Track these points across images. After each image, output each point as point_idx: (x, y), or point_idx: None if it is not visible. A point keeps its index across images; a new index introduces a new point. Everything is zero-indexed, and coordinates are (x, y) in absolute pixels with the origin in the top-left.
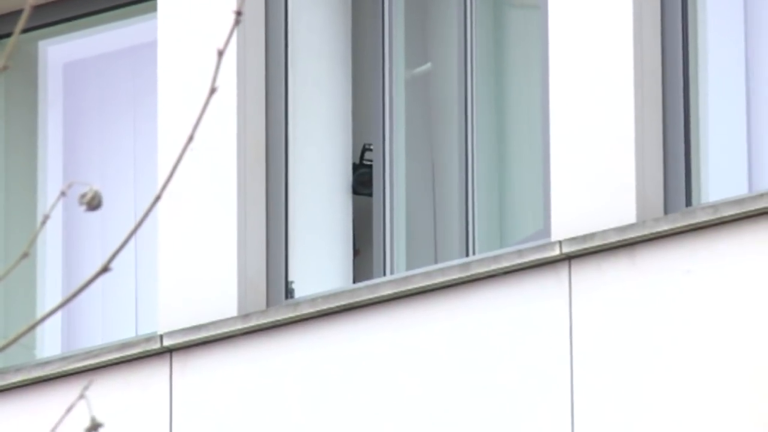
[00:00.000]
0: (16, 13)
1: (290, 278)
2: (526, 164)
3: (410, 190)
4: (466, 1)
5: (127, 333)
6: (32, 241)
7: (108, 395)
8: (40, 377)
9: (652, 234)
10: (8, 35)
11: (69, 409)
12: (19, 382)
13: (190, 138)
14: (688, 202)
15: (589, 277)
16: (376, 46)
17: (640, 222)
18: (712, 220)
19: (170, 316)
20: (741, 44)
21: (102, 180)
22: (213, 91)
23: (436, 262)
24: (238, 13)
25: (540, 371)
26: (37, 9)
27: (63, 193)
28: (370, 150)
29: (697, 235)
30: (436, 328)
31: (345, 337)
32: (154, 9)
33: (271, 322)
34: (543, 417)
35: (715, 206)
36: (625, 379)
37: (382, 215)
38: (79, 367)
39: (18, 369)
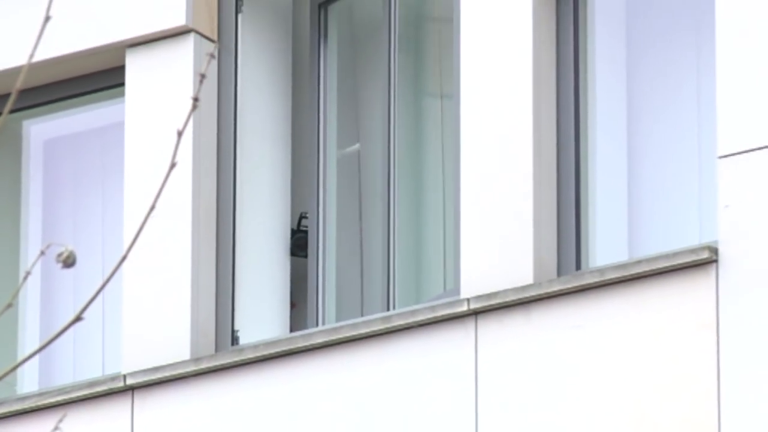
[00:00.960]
0: (4, 96)
1: (236, 327)
2: (440, 231)
3: (340, 252)
4: (390, 91)
5: (95, 373)
6: (15, 294)
7: (78, 427)
8: (20, 410)
9: (546, 293)
10: None
11: None
12: (2, 413)
13: (152, 207)
14: (578, 266)
15: (493, 330)
16: (313, 128)
17: (537, 283)
18: (599, 282)
19: (133, 359)
20: (624, 135)
21: (76, 242)
22: (173, 165)
23: (361, 315)
24: (195, 99)
25: (448, 412)
26: (22, 93)
27: (42, 253)
28: (306, 218)
29: (585, 295)
30: (361, 373)
31: (283, 380)
32: (122, 94)
33: (219, 365)
34: None
35: (601, 270)
36: (525, 422)
37: (315, 274)
38: (53, 402)
39: (1, 402)
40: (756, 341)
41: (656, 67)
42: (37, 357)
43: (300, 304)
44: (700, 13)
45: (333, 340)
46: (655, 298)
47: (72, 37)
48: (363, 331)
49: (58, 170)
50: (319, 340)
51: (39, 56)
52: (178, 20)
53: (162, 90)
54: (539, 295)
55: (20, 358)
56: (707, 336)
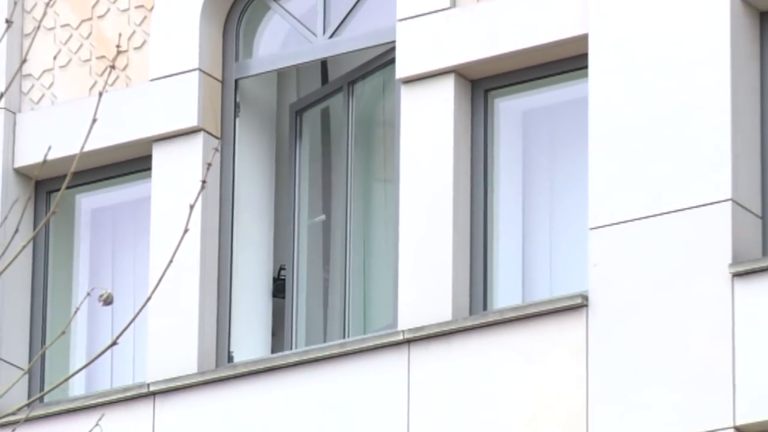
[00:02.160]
0: (63, 176)
1: (231, 348)
2: (383, 280)
3: (309, 295)
4: (348, 176)
5: (126, 381)
6: (67, 324)
7: (113, 423)
8: (70, 408)
9: (461, 327)
10: (56, 190)
11: None
12: (57, 411)
13: (170, 261)
14: (485, 307)
15: (421, 355)
16: (290, 204)
17: (454, 319)
18: (499, 319)
19: (155, 372)
20: (520, 211)
21: (114, 287)
22: (186, 231)
23: (324, 341)
24: (203, 182)
25: (388, 414)
26: (75, 174)
27: (88, 294)
28: (284, 269)
29: (490, 329)
30: (324, 385)
31: (266, 389)
32: (149, 176)
33: (219, 377)
34: None
35: (501, 311)
36: (445, 422)
37: (290, 311)
38: (95, 403)
39: (57, 402)
40: (617, 368)
41: (544, 161)
42: (83, 370)
43: (279, 333)
44: (582, 121)
45: (303, 360)
46: (541, 333)
47: (113, 133)
48: (325, 353)
49: (102, 232)
50: (293, 360)
51: (88, 147)
52: (191, 122)
53: (179, 174)
54: (456, 328)
55: (71, 371)
56: (579, 363)
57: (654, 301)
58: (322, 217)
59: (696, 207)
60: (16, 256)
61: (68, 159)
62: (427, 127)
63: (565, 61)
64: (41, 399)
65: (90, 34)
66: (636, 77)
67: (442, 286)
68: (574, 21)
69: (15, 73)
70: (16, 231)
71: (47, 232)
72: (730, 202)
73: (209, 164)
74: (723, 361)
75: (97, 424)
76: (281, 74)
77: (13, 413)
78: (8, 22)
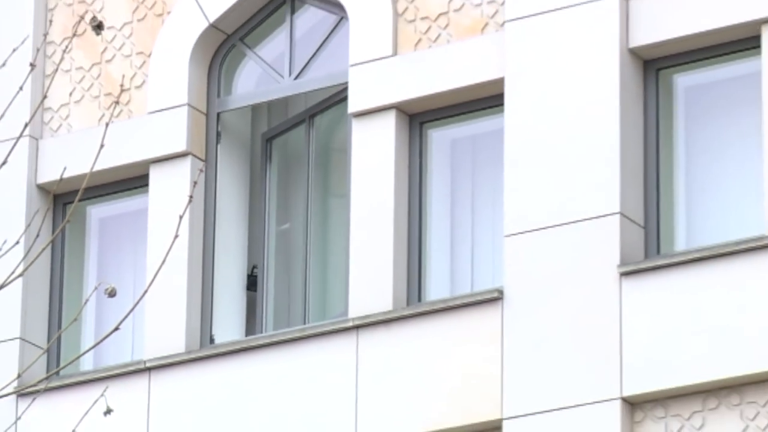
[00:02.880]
0: (76, 191)
1: (213, 332)
2: (338, 276)
3: (276, 289)
4: (308, 192)
5: (126, 358)
6: (79, 312)
7: (115, 393)
8: (80, 380)
9: (399, 316)
10: (71, 202)
11: (95, 402)
12: (70, 383)
13: (163, 261)
14: (419, 299)
15: (367, 338)
16: (261, 214)
17: (394, 309)
18: (430, 309)
19: (150, 351)
20: (448, 222)
21: (117, 282)
22: (176, 236)
23: (288, 326)
24: (190, 197)
25: (340, 386)
26: (85, 189)
27: (96, 288)
28: (256, 267)
29: (423, 317)
30: (288, 363)
31: (241, 365)
32: (147, 192)
33: (202, 355)
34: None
35: (432, 302)
36: (389, 389)
37: (262, 302)
38: (101, 376)
39: (70, 376)
40: (526, 350)
41: (467, 180)
42: (92, 350)
43: (251, 319)
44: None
45: (271, 342)
46: (465, 321)
47: (117, 156)
48: (289, 336)
49: (108, 237)
50: (263, 341)
51: (97, 167)
52: (181, 147)
53: (171, 190)
54: (396, 317)
55: (82, 350)
56: (495, 347)
57: (557, 295)
58: (287, 225)
59: (591, 218)
60: (37, 257)
61: (80, 177)
62: (373, 152)
63: (485, 99)
64: (57, 373)
65: (99, 75)
66: (543, 112)
67: (384, 282)
68: (492, 67)
69: (37, 107)
70: (37, 236)
71: (63, 237)
72: (618, 215)
73: (195, 182)
74: (613, 344)
75: (102, 395)
76: (255, 108)
77: (34, 385)
78: (32, 65)
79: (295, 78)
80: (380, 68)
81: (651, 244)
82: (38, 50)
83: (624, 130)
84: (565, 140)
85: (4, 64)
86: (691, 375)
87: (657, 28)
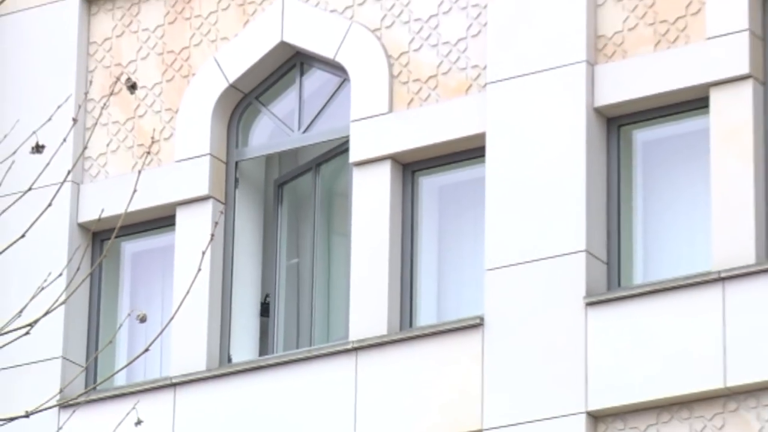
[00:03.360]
0: (112, 229)
1: (231, 352)
2: (339, 305)
3: (286, 315)
4: (314, 231)
5: (155, 375)
6: (114, 335)
7: (145, 406)
8: (115, 395)
9: (393, 339)
10: (108, 239)
11: (127, 414)
12: (105, 396)
13: (188, 291)
14: (410, 324)
15: (365, 359)
16: (274, 250)
17: (388, 333)
18: (421, 333)
19: (176, 369)
20: (435, 249)
21: (147, 309)
22: (199, 270)
23: (297, 348)
24: (212, 235)
25: (340, 404)
26: (120, 228)
27: (129, 315)
28: (269, 296)
29: (415, 341)
30: (296, 380)
31: (255, 381)
32: (173, 230)
33: (222, 372)
34: None
35: (422, 327)
36: (384, 407)
37: (273, 327)
38: (132, 390)
39: (105, 390)
40: (504, 371)
41: (454, 221)
42: (125, 368)
43: (264, 341)
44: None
45: (281, 361)
46: (451, 344)
47: (148, 199)
48: (297, 357)
49: (140, 270)
50: (274, 361)
51: (130, 209)
52: (204, 191)
53: (195, 228)
54: (390, 340)
55: (116, 369)
56: (477, 367)
57: (531, 322)
58: (296, 260)
59: (561, 255)
60: (78, 287)
61: (116, 217)
62: (371, 196)
63: (469, 151)
64: (95, 388)
65: (133, 128)
66: (519, 162)
67: (380, 309)
68: (475, 123)
69: (79, 156)
70: (78, 269)
71: (100, 270)
72: (584, 252)
73: (216, 222)
74: (579, 365)
75: (133, 408)
76: (268, 158)
77: (75, 398)
78: (74, 120)
79: (304, 132)
80: (378, 123)
81: (612, 278)
82: (80, 107)
83: (589, 179)
84: (538, 187)
85: (50, 119)
86: (646, 392)
87: (619, 90)
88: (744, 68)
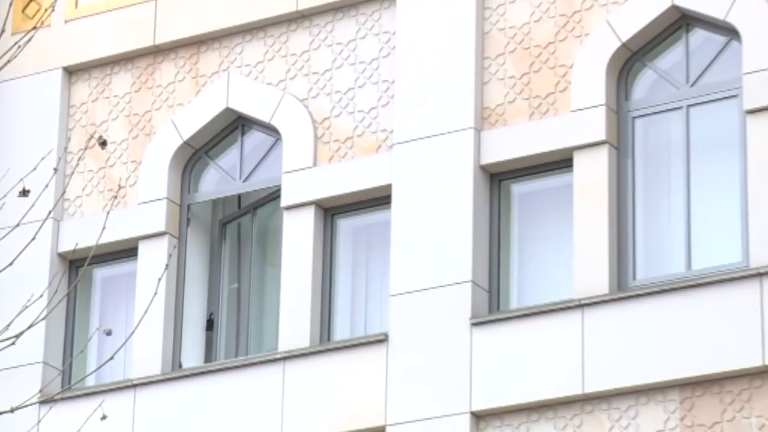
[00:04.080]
0: (84, 258)
1: (182, 359)
2: (270, 322)
3: (227, 330)
4: (251, 261)
5: (120, 377)
6: (85, 346)
7: (112, 404)
8: (86, 393)
9: (315, 351)
10: (81, 266)
11: (95, 410)
12: (78, 395)
13: (146, 310)
14: (328, 338)
15: (292, 368)
16: (217, 275)
17: (311, 346)
18: (341, 345)
19: (138, 371)
20: (349, 279)
21: (113, 324)
22: (155, 294)
23: (235, 356)
24: (167, 265)
25: (269, 404)
26: (93, 257)
27: (97, 329)
28: (213, 314)
29: (337, 352)
30: (234, 383)
31: (201, 384)
32: (135, 260)
33: (173, 376)
34: None
35: (344, 341)
36: (311, 411)
37: (216, 339)
38: (100, 391)
39: (78, 389)
40: (404, 379)
41: (363, 255)
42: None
43: (209, 350)
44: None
45: (223, 368)
46: (361, 356)
47: (115, 234)
48: (235, 364)
49: (108, 292)
50: (216, 367)
51: (101, 242)
52: (161, 228)
53: (153, 259)
54: (312, 351)
55: (87, 372)
56: (381, 375)
57: (426, 338)
58: (236, 285)
59: (451, 284)
60: (56, 305)
61: (89, 248)
62: (298, 234)
63: (378, 199)
64: (69, 388)
65: (104, 176)
66: (419, 209)
67: (304, 326)
68: (383, 176)
69: (59, 198)
70: (56, 290)
71: (75, 291)
72: (470, 282)
73: (170, 254)
74: (465, 373)
75: (100, 405)
76: (215, 201)
77: (53, 396)
78: (55, 169)
79: (244, 181)
80: (304, 175)
81: (493, 303)
82: (60, 158)
83: (475, 222)
84: (433, 229)
85: (35, 168)
86: (519, 396)
87: (500, 151)
88: (601, 135)
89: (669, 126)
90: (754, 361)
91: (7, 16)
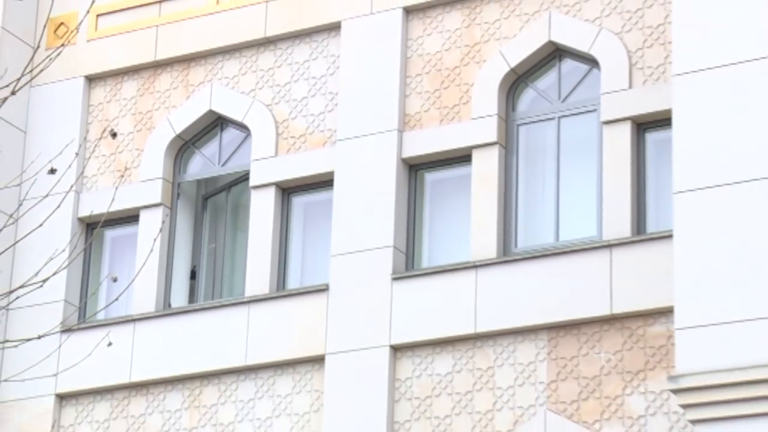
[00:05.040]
0: (98, 222)
1: (171, 299)
2: (240, 271)
3: (206, 279)
4: (225, 227)
5: (122, 314)
6: (96, 289)
7: (117, 334)
8: (97, 325)
9: (272, 296)
10: (95, 228)
11: (103, 338)
12: (90, 326)
13: (144, 263)
14: (284, 287)
15: (256, 311)
16: (200, 237)
17: (270, 292)
18: (294, 293)
19: (136, 309)
20: (300, 244)
21: (119, 273)
22: (151, 251)
23: (212, 299)
24: (161, 228)
25: (234, 339)
26: (104, 222)
27: (107, 276)
28: (196, 266)
29: (289, 297)
30: (211, 321)
31: (186, 319)
32: (137, 224)
33: (164, 313)
34: None
35: (293, 289)
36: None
37: (198, 285)
38: (109, 323)
39: (91, 321)
40: (341, 320)
41: (314, 228)
42: (103, 309)
43: (192, 294)
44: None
45: (202, 307)
46: (308, 301)
47: (123, 203)
48: (213, 305)
49: (115, 249)
50: (197, 307)
51: (111, 209)
52: (158, 200)
53: (151, 224)
54: (269, 297)
55: (98, 309)
56: (323, 314)
57: (358, 288)
58: (214, 245)
59: (377, 249)
60: (74, 258)
61: (101, 215)
62: (262, 208)
63: (324, 182)
64: (84, 321)
65: (115, 160)
66: (355, 191)
67: (264, 275)
68: (328, 164)
69: (79, 176)
70: (75, 246)
71: (91, 247)
72: (392, 247)
73: (163, 221)
74: (386, 314)
75: (107, 335)
76: (199, 181)
77: (71, 327)
78: (77, 154)
79: (222, 166)
80: (268, 162)
81: (409, 263)
82: (80, 145)
83: (397, 202)
84: (365, 206)
85: (61, 153)
86: (427, 333)
87: (417, 148)
88: (494, 138)
89: (545, 132)
90: (603, 311)
91: (41, 36)
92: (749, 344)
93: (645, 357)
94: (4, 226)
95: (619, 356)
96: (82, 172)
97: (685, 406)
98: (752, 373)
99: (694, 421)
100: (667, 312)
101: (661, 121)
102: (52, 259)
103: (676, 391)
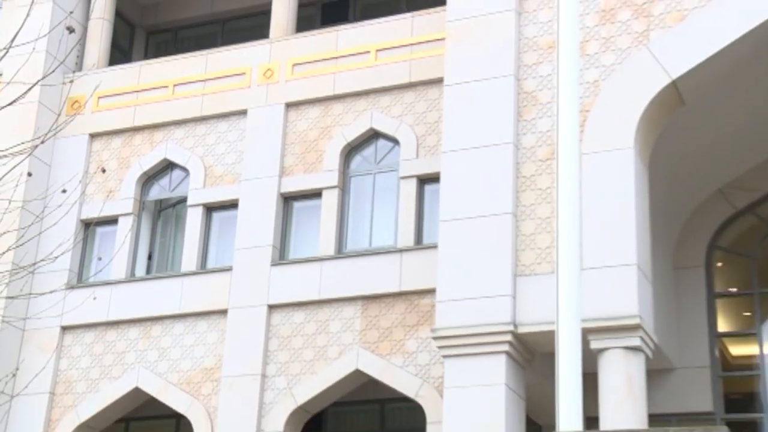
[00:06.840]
0: (91, 223)
1: (135, 271)
2: (179, 254)
3: (158, 261)
4: (175, 229)
5: (107, 278)
6: (91, 263)
7: (98, 293)
8: (88, 285)
9: (203, 271)
10: (90, 226)
11: (91, 294)
12: (86, 285)
13: (122, 242)
14: (204, 266)
15: (188, 285)
16: (155, 236)
17: (197, 269)
18: (219, 269)
19: (115, 276)
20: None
21: (105, 254)
22: (123, 242)
23: (163, 272)
24: (130, 230)
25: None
26: (96, 222)
27: (99, 258)
28: (151, 253)
29: (215, 273)
30: (160, 288)
31: (144, 286)
32: (116, 228)
33: (131, 279)
34: None
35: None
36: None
37: (152, 264)
38: (95, 284)
39: (85, 283)
40: (245, 282)
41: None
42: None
43: (149, 268)
44: None
45: (154, 277)
46: (220, 277)
47: (106, 211)
48: (160, 276)
49: (104, 241)
50: (151, 277)
51: (101, 214)
52: (129, 210)
53: (124, 226)
54: (196, 272)
55: (91, 276)
56: (226, 288)
57: (251, 271)
58: (163, 239)
59: (260, 247)
60: (76, 243)
61: (94, 218)
62: (193, 220)
63: (230, 206)
64: (80, 282)
65: (103, 185)
66: (254, 205)
67: (193, 257)
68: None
69: (80, 195)
70: (76, 238)
71: (86, 239)
72: (270, 246)
73: (133, 224)
74: (266, 286)
75: (92, 295)
76: (156, 200)
77: (71, 286)
78: (80, 182)
79: (171, 191)
80: (199, 191)
81: (282, 255)
82: (83, 175)
83: (276, 220)
84: (258, 219)
85: (70, 180)
86: (290, 297)
87: (290, 186)
88: (335, 183)
89: (366, 182)
90: (395, 289)
91: (62, 107)
92: (476, 312)
93: (418, 317)
94: (32, 223)
95: (403, 316)
96: (83, 192)
97: (440, 347)
98: (479, 329)
99: (445, 356)
100: (432, 291)
101: (435, 178)
102: (61, 244)
103: (435, 338)
